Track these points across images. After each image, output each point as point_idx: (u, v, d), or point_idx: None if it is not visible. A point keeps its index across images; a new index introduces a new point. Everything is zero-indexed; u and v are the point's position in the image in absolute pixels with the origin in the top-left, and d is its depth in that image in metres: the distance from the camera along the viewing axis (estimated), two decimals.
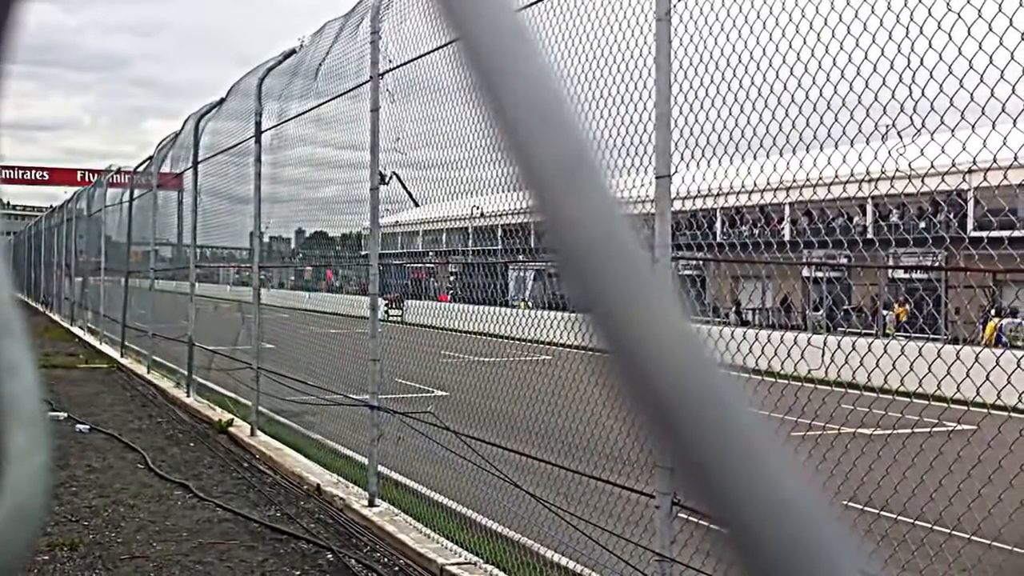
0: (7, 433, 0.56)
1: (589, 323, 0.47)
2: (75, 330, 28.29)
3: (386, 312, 10.29)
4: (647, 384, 0.45)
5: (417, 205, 10.02)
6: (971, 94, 3.78)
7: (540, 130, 0.47)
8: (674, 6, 4.85)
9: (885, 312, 16.19)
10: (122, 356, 20.45)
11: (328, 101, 10.10)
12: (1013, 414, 3.96)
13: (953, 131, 3.94)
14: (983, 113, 3.79)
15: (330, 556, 7.28)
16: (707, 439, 0.45)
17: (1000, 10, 3.65)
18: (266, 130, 11.81)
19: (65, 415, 12.89)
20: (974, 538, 4.01)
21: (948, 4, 3.81)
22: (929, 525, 4.12)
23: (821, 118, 4.43)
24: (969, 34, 3.73)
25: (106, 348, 22.54)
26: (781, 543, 0.44)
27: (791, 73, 4.49)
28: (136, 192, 20.88)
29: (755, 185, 5.08)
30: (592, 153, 0.48)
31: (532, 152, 0.47)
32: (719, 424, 0.45)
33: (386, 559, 7.19)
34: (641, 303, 0.46)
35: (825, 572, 0.43)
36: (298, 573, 6.91)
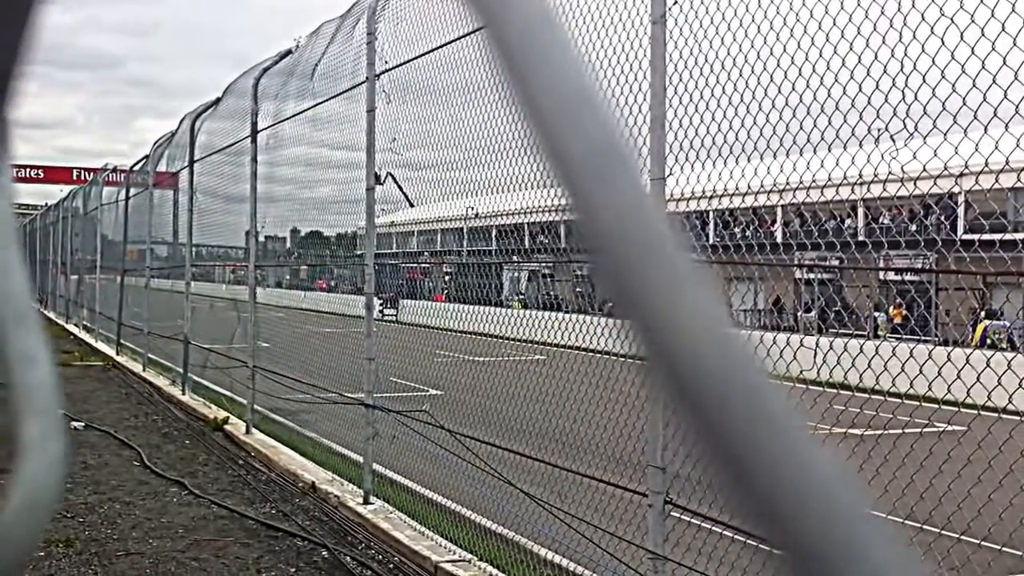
0: (23, 422, 0.58)
1: (624, 320, 0.45)
2: (71, 328, 28.26)
3: (381, 312, 10.32)
4: (684, 382, 0.44)
5: (412, 205, 10.06)
6: (963, 98, 3.82)
7: (570, 121, 0.46)
8: (669, 9, 4.89)
9: (877, 314, 16.24)
10: (118, 354, 20.44)
11: (324, 101, 10.13)
12: (1003, 415, 4.00)
13: (945, 135, 3.98)
14: (975, 117, 3.82)
15: (325, 553, 7.31)
16: (746, 438, 0.44)
17: (992, 15, 3.69)
18: (262, 130, 11.84)
19: (60, 412, 12.88)
20: (963, 538, 4.05)
21: (941, 9, 3.86)
22: (919, 524, 4.15)
23: (814, 121, 4.47)
24: (961, 38, 3.77)
25: (102, 346, 22.52)
26: (822, 545, 0.43)
27: (785, 76, 4.53)
28: (132, 191, 20.86)
29: (748, 187, 5.12)
30: (623, 143, 0.46)
31: (562, 143, 0.46)
32: (757, 422, 0.44)
33: (381, 556, 7.22)
34: (678, 299, 0.45)
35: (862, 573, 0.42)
36: (293, 570, 6.93)
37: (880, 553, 0.43)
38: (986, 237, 4.53)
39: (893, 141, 4.24)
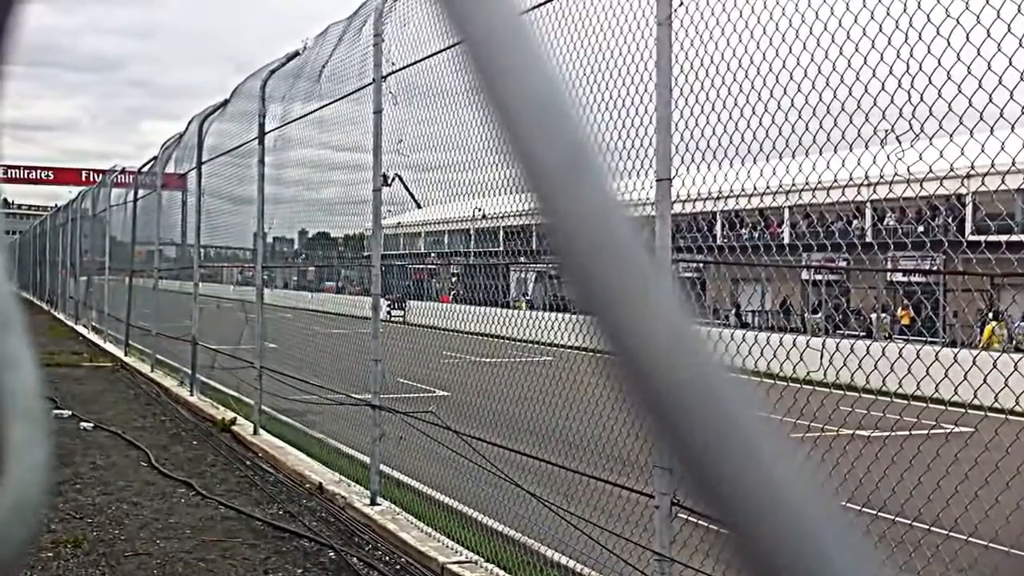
0: (7, 427, 0.56)
1: (591, 323, 0.46)
2: (79, 329, 28.35)
3: (388, 313, 10.33)
4: (648, 384, 0.45)
5: (419, 207, 10.07)
6: (969, 99, 3.81)
7: (542, 131, 0.47)
8: (675, 11, 4.89)
9: (884, 314, 16.23)
10: (126, 355, 20.50)
11: (331, 103, 10.15)
12: (1010, 417, 4.00)
13: (951, 136, 3.98)
14: (981, 118, 3.82)
15: (332, 554, 7.32)
16: (707, 439, 0.44)
17: (998, 16, 3.69)
18: (270, 131, 11.87)
19: (69, 413, 12.95)
20: (971, 539, 4.04)
21: (947, 10, 3.85)
22: (927, 526, 4.15)
23: (820, 122, 4.47)
24: (967, 40, 3.76)
25: (110, 347, 22.58)
26: (781, 544, 0.43)
27: (791, 78, 4.53)
28: (140, 192, 20.95)
29: (755, 188, 5.12)
30: (594, 154, 0.47)
31: (534, 153, 0.47)
32: (719, 424, 0.44)
33: (387, 557, 7.23)
34: (642, 303, 0.45)
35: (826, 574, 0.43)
36: (300, 571, 6.95)
37: (842, 551, 0.43)
38: (993, 238, 4.51)
39: (899, 143, 4.24)
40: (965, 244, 4.74)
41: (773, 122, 4.64)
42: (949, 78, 3.86)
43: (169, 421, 13.28)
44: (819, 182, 4.94)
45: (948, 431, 4.29)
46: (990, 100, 3.77)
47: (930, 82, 3.94)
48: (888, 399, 4.45)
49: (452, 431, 7.23)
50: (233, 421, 12.36)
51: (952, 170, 4.13)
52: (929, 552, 4.15)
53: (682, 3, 4.89)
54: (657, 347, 0.45)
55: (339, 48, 9.70)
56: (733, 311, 19.05)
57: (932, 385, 4.16)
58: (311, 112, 10.86)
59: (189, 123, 16.10)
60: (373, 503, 8.19)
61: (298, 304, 15.64)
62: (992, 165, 3.99)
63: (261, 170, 11.80)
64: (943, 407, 4.24)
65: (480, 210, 8.98)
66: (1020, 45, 3.65)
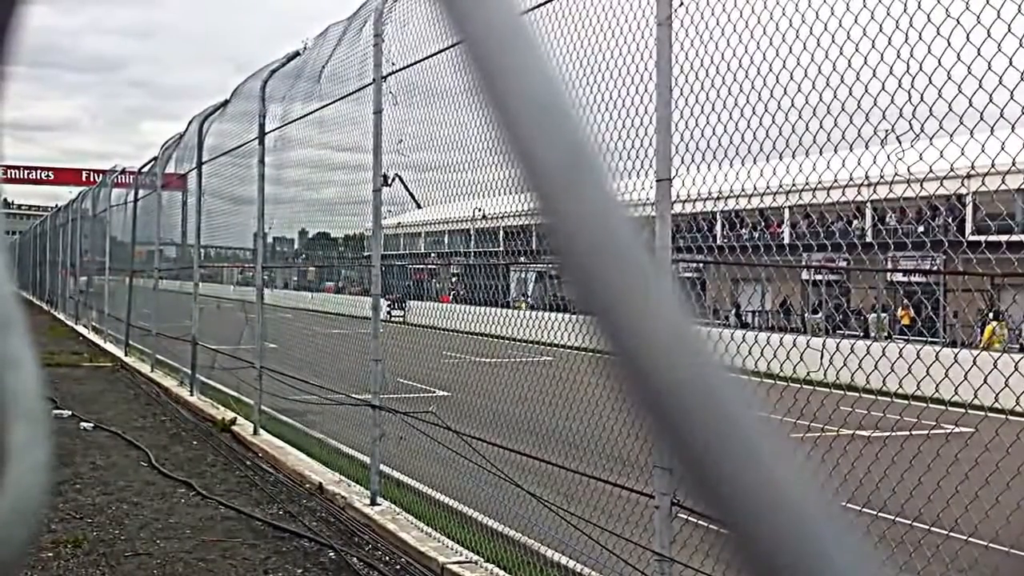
0: (8, 427, 0.56)
1: (591, 323, 0.46)
2: (80, 329, 28.35)
3: (388, 313, 10.33)
4: (648, 384, 0.45)
5: (419, 207, 10.07)
6: (969, 99, 3.81)
7: (542, 131, 0.47)
8: (675, 11, 4.89)
9: (884, 314, 16.24)
10: (126, 355, 20.50)
11: (331, 103, 10.15)
12: (1010, 417, 3.99)
13: (952, 136, 3.98)
14: (981, 118, 3.82)
15: (332, 554, 7.32)
16: (707, 439, 0.44)
17: (999, 16, 3.69)
18: (270, 131, 11.87)
19: (69, 413, 12.95)
20: (971, 539, 4.04)
21: (947, 10, 3.85)
22: (927, 526, 4.15)
23: (821, 122, 4.47)
24: (968, 40, 3.76)
25: (110, 347, 22.58)
26: (781, 544, 0.43)
27: (791, 78, 4.53)
28: (140, 192, 20.96)
29: (755, 189, 5.12)
30: (594, 154, 0.47)
31: (534, 153, 0.47)
32: (719, 424, 0.44)
33: (387, 557, 7.23)
34: (642, 303, 0.45)
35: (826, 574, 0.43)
36: (300, 571, 6.95)
37: (842, 551, 0.43)
38: (993, 238, 4.52)
39: (900, 143, 4.24)
40: (965, 244, 4.74)
41: (773, 122, 4.64)
42: (949, 78, 3.86)
43: (169, 421, 13.28)
44: (819, 182, 4.94)
45: (948, 431, 4.29)
46: (990, 100, 3.77)
47: (930, 82, 3.94)
48: (888, 399, 4.45)
49: (452, 431, 7.23)
50: (233, 421, 12.36)
51: (952, 170, 4.13)
52: (929, 552, 4.15)
53: (682, 3, 4.89)
54: (657, 347, 0.45)
55: (339, 48, 9.70)
56: (733, 311, 19.06)
57: (932, 385, 4.16)
58: (311, 112, 10.87)
59: (189, 123, 16.11)
60: (373, 503, 8.20)
61: (298, 304, 15.64)
62: (992, 165, 3.99)
63: (261, 170, 11.80)
64: (943, 407, 4.23)
65: (480, 210, 8.98)
66: (1020, 45, 3.65)
